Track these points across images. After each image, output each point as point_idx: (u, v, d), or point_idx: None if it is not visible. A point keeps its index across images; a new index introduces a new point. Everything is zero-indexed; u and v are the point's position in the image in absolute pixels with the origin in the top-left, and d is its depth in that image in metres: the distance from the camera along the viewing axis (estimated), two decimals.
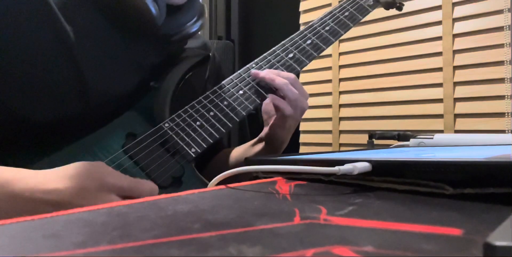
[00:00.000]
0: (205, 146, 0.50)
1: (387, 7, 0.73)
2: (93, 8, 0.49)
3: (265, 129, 0.63)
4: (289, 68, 0.58)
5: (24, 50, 0.43)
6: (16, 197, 0.34)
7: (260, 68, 0.58)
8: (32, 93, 0.44)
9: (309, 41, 0.60)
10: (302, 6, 1.61)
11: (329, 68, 1.52)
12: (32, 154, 0.43)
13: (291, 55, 0.59)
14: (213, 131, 0.51)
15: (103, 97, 0.48)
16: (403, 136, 0.87)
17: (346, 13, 0.63)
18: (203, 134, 0.50)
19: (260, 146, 0.63)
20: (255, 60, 0.59)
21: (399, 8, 0.74)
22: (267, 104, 0.62)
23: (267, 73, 0.55)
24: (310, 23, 0.62)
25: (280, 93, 0.55)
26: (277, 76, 0.55)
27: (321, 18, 0.63)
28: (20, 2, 0.43)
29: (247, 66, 0.58)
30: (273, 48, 0.60)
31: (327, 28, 0.62)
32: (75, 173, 0.35)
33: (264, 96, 0.56)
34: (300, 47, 0.60)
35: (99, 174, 0.35)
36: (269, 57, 0.59)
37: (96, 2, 0.49)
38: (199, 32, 0.61)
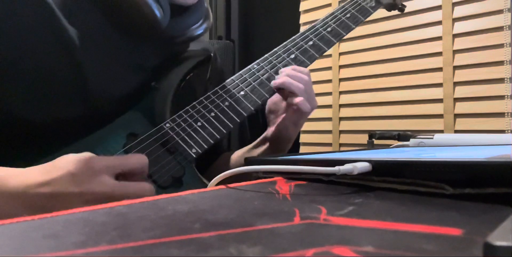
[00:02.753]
0: (206, 146, 0.50)
1: (389, 8, 0.73)
2: (95, 10, 0.49)
3: (271, 129, 0.62)
4: None
5: (25, 52, 0.43)
6: (11, 195, 0.34)
7: (261, 69, 0.57)
8: (34, 94, 0.44)
9: (310, 42, 0.60)
10: (302, 6, 1.61)
11: (329, 68, 1.52)
12: (34, 155, 0.43)
13: (292, 56, 0.59)
14: (214, 132, 0.51)
15: (104, 97, 0.48)
16: (403, 136, 0.87)
17: (348, 15, 0.64)
18: (204, 134, 0.50)
19: (264, 147, 0.63)
20: (257, 61, 0.59)
21: (401, 9, 0.74)
22: (274, 103, 0.63)
23: (285, 78, 0.55)
24: (312, 25, 0.63)
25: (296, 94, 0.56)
26: (294, 81, 0.55)
27: (323, 20, 0.63)
28: (21, 4, 0.43)
29: (249, 67, 0.58)
30: (275, 49, 0.60)
31: (328, 29, 0.62)
32: (63, 163, 0.36)
33: (273, 92, 0.56)
34: (302, 48, 0.60)
35: (85, 159, 0.36)
36: (270, 58, 0.59)
37: (99, 4, 0.49)
38: None
